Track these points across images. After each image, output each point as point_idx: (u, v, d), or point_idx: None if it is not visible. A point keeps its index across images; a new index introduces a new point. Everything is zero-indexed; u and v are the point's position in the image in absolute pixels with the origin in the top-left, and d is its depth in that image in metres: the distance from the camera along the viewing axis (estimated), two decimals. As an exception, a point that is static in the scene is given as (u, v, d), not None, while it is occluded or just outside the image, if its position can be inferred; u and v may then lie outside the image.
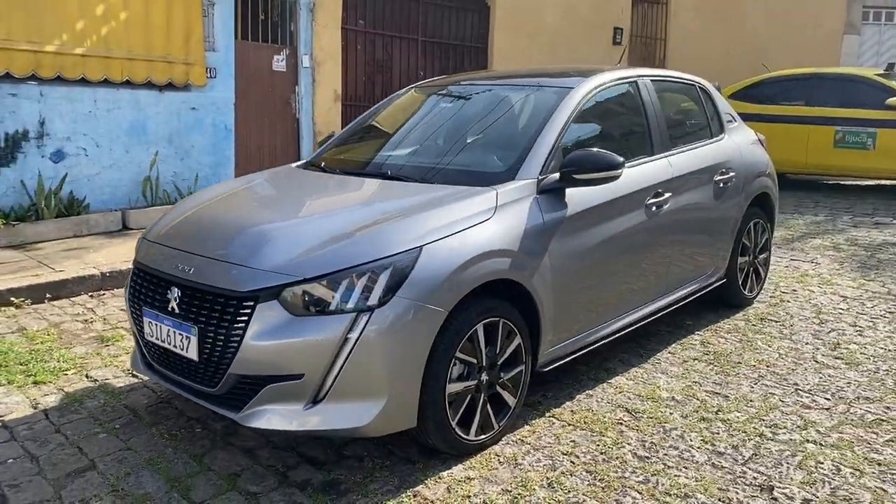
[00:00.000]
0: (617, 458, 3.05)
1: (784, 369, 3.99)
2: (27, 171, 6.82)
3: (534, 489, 2.82)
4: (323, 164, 3.98)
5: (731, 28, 14.81)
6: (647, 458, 3.05)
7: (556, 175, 3.33)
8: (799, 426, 3.34)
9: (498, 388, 3.13)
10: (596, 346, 3.71)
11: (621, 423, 3.35)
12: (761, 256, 5.11)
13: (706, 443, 3.18)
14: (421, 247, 2.80)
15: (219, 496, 2.79)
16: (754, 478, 2.90)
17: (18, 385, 3.79)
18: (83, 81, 7.07)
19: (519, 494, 2.78)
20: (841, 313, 4.95)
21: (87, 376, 3.92)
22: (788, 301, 5.22)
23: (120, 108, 7.38)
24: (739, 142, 4.86)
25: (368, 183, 3.57)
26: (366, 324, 2.65)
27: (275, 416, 2.72)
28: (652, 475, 2.91)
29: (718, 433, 3.26)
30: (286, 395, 2.70)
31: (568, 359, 3.53)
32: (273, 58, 8.71)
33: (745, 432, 3.27)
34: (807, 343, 4.39)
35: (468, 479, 2.89)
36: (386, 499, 2.76)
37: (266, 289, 2.70)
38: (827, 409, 3.52)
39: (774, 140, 10.43)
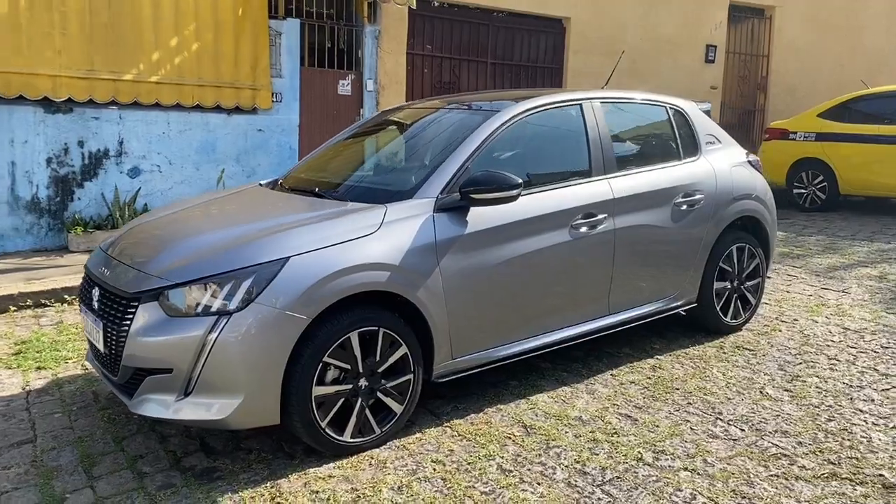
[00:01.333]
0: (480, 469, 3.15)
1: (719, 398, 3.87)
2: (106, 186, 7.73)
3: (381, 490, 2.99)
4: (280, 181, 4.35)
5: (845, 41, 13.90)
6: (510, 471, 3.13)
7: (458, 195, 3.49)
8: (689, 454, 3.27)
9: (380, 394, 3.32)
10: (512, 360, 3.80)
11: (510, 438, 3.43)
12: (750, 283, 4.91)
13: (577, 462, 3.20)
14: (288, 258, 3.07)
15: (114, 473, 3.18)
16: (599, 499, 2.91)
17: (24, 369, 4.40)
18: (157, 106, 7.90)
19: (364, 494, 2.96)
20: (828, 346, 4.67)
21: (82, 366, 4.47)
22: (780, 330, 4.97)
23: (191, 129, 8.18)
24: (718, 164, 4.73)
25: (292, 200, 3.88)
26: (224, 326, 2.95)
27: (153, 405, 3.08)
28: (501, 488, 3.00)
29: (598, 454, 3.27)
30: (162, 386, 3.05)
31: (471, 372, 3.65)
32: (339, 82, 9.27)
33: (626, 456, 3.25)
34: (765, 374, 4.21)
35: (329, 476, 3.11)
36: (246, 487, 3.03)
37: (147, 291, 3.08)
38: (734, 439, 3.42)
39: (867, 162, 9.78)
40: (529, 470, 3.14)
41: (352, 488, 3.01)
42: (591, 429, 3.51)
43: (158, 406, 3.07)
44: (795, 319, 5.22)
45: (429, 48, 10.00)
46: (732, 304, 4.84)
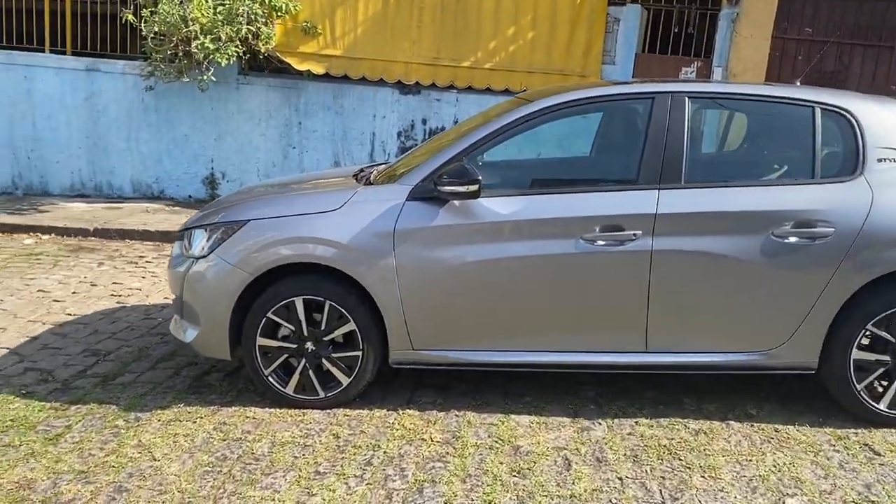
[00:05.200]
0: (322, 452, 3.19)
1: (713, 490, 2.97)
2: (438, 158, 8.92)
3: (244, 441, 3.31)
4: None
5: None
6: (368, 465, 3.10)
7: (432, 185, 3.44)
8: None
9: (326, 362, 3.57)
10: (504, 369, 3.61)
11: (426, 440, 3.31)
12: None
13: (419, 483, 2.97)
14: (247, 220, 3.54)
15: (165, 369, 4.16)
16: (383, 517, 2.73)
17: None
18: (488, 90, 8.70)
19: (224, 438, 3.32)
20: None
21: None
22: (980, 448, 3.32)
23: (518, 113, 8.77)
24: (889, 191, 3.35)
25: (338, 181, 4.22)
26: (191, 268, 3.61)
27: (172, 322, 3.93)
28: (331, 474, 3.03)
29: (457, 486, 2.96)
30: (177, 307, 3.86)
31: (438, 367, 3.58)
32: (681, 69, 8.70)
33: (452, 491, 2.88)
34: (830, 492, 2.99)
35: (249, 418, 3.53)
36: (161, 408, 3.66)
37: (178, 232, 3.91)
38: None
39: None
40: (375, 473, 3.05)
41: (216, 428, 3.38)
42: (511, 465, 3.13)
43: (173, 323, 3.91)
44: None
45: (808, 31, 8.55)
46: (894, 389, 3.43)
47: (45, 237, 7.44)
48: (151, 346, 4.48)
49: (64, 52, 8.90)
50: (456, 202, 3.42)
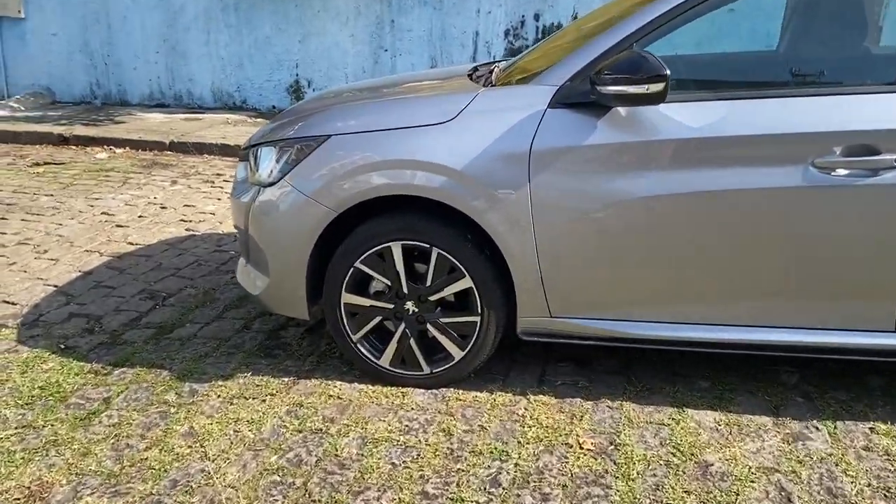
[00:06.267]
0: (429, 460, 2.29)
1: None
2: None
3: (325, 434, 2.46)
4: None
5: None
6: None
7: (588, 85, 2.36)
8: None
9: (431, 328, 2.66)
10: (684, 349, 2.60)
11: (574, 448, 2.38)
12: None
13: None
14: (328, 136, 2.59)
15: (236, 320, 3.36)
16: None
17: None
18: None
19: (300, 429, 2.49)
20: None
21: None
22: None
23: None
24: None
25: (451, 81, 3.18)
26: (257, 198, 2.71)
27: (239, 264, 3.09)
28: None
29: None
30: (242, 247, 3.01)
31: (583, 342, 2.60)
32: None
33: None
34: None
35: (331, 397, 2.69)
36: (223, 377, 2.85)
37: (243, 149, 3.01)
38: None
39: None
40: (507, 500, 2.15)
41: (330, 420, 2.54)
42: (704, 497, 2.16)
43: (240, 268, 3.06)
44: None
45: None
46: None
47: (119, 151, 6.80)
48: (219, 287, 3.69)
49: (136, -56, 8.05)
50: (622, 110, 2.35)
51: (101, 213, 4.91)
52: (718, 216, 2.34)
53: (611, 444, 2.38)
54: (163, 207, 5.07)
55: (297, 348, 3.05)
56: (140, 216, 4.87)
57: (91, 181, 5.73)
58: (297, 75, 8.01)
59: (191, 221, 4.77)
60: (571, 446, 2.37)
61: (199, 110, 8.12)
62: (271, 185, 2.66)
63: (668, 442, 2.39)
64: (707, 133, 2.31)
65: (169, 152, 6.72)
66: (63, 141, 7.00)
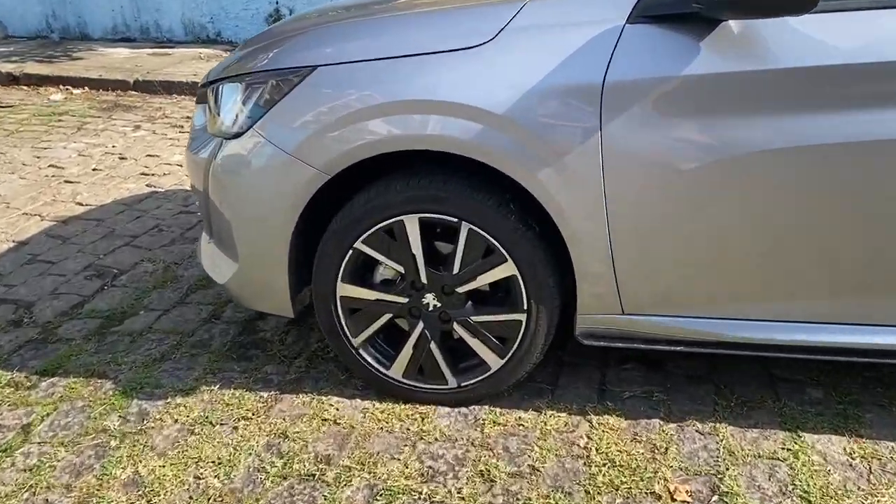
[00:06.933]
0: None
1: None
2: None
3: (319, 482, 1.79)
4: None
5: None
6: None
7: (688, -9, 1.62)
8: None
9: (457, 327, 1.97)
10: (784, 356, 1.91)
11: (665, 501, 1.73)
12: None
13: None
14: (315, 66, 1.84)
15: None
16: None
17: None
18: None
19: (284, 474, 1.82)
20: None
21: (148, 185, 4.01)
22: None
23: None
24: None
25: None
26: (217, 155, 1.99)
27: (200, 245, 2.38)
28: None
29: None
30: (205, 219, 2.29)
31: (664, 348, 1.92)
32: None
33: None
34: None
35: (326, 422, 2.02)
36: (183, 391, 2.19)
37: (200, 87, 2.26)
38: None
39: None
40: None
41: (325, 458, 1.88)
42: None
43: (200, 244, 2.36)
44: None
45: None
46: None
47: (77, 91, 5.97)
48: (183, 261, 2.99)
49: None
50: (733, 25, 1.62)
51: (49, 167, 4.16)
52: (885, 175, 1.63)
53: (713, 492, 1.73)
54: (122, 158, 4.31)
55: (279, 347, 2.36)
56: (94, 169, 4.12)
57: (41, 127, 4.95)
58: (277, 2, 7.11)
59: (153, 175, 4.03)
60: (660, 497, 1.71)
61: (169, 44, 7.25)
62: (237, 135, 1.93)
63: (790, 489, 1.74)
64: (852, 60, 1.58)
65: (133, 92, 5.90)
66: (12, 80, 6.17)
